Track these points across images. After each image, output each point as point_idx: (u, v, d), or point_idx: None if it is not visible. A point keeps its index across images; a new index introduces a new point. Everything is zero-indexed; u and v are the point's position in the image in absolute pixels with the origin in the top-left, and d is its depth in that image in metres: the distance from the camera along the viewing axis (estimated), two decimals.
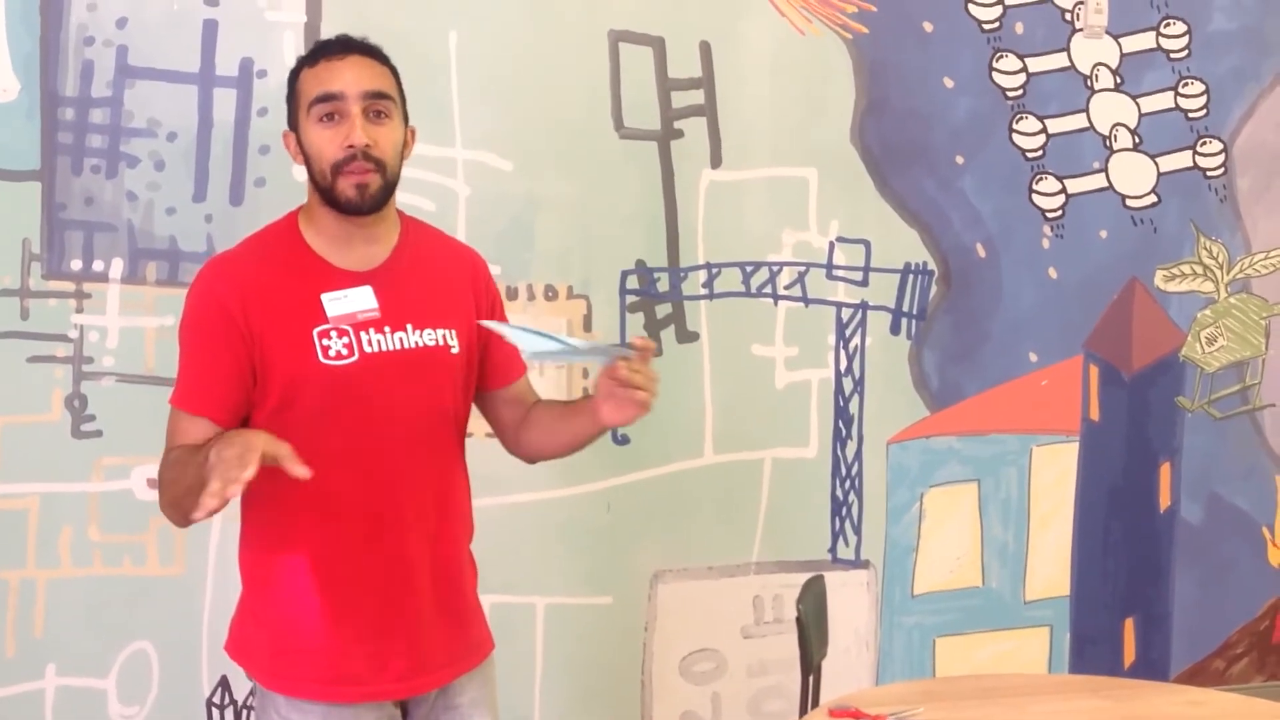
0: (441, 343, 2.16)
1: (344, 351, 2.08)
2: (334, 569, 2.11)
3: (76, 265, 2.99)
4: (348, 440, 2.09)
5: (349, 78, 2.09)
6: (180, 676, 3.09)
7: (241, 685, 3.09)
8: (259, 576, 2.17)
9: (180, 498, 2.00)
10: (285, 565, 2.12)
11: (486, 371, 2.28)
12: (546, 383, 3.25)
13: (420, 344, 2.14)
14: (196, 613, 3.08)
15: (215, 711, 3.12)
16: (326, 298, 2.09)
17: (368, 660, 2.13)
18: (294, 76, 2.17)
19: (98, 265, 3.00)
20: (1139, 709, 2.34)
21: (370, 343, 2.10)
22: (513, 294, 3.25)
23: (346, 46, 2.14)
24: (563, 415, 2.27)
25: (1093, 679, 2.68)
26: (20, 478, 2.97)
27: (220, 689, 3.12)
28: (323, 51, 2.14)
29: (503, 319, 2.28)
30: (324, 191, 2.11)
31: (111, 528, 3.03)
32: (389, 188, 2.13)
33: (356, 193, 2.08)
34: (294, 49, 3.03)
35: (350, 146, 2.07)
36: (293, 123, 2.16)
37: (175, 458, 2.07)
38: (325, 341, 2.08)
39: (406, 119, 2.20)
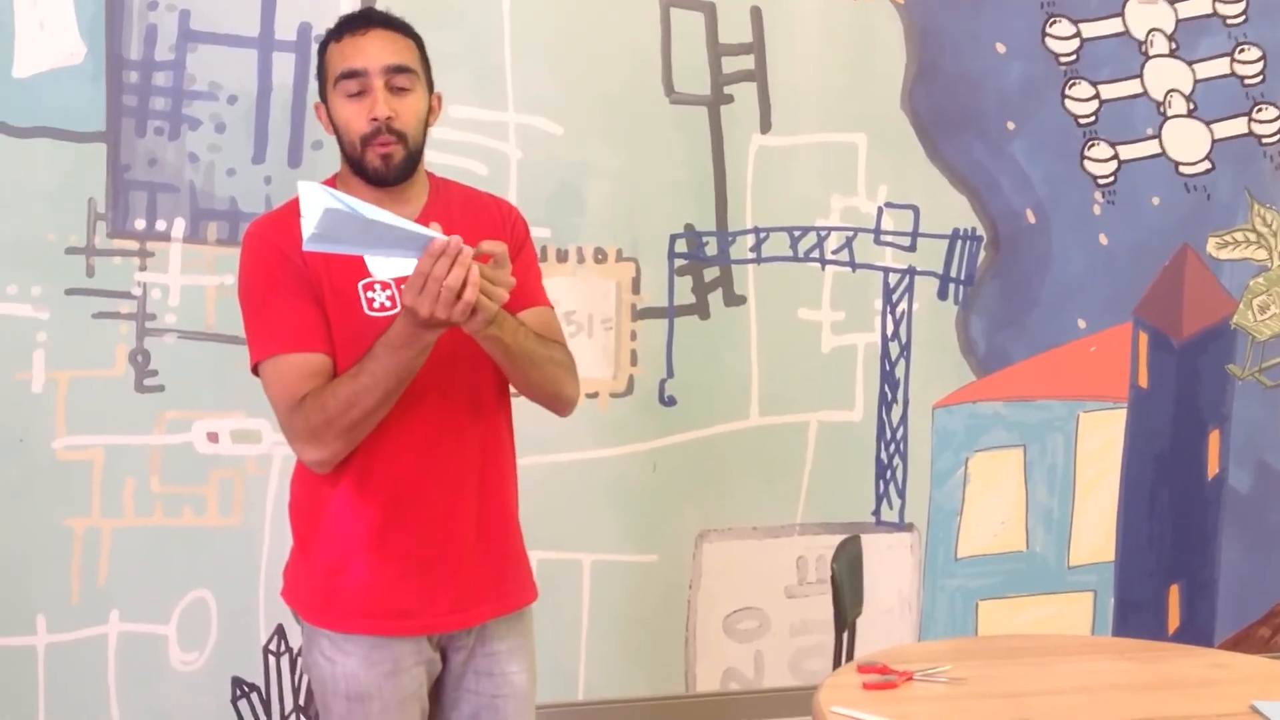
0: None
1: (387, 304, 2.16)
2: (382, 508, 2.17)
3: (140, 224, 3.08)
4: None
5: (371, 52, 2.16)
6: (238, 624, 3.19)
7: (297, 634, 3.18)
8: (307, 519, 2.25)
9: (377, 400, 2.06)
10: (334, 505, 2.19)
11: None
12: (595, 347, 3.31)
13: None
14: (254, 562, 3.17)
15: (271, 659, 3.22)
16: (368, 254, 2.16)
17: (416, 594, 2.19)
18: (321, 51, 2.24)
19: (160, 225, 3.09)
20: (1162, 670, 2.35)
21: None
22: (563, 256, 3.31)
23: (369, 21, 2.21)
24: None
25: (1122, 641, 2.70)
26: (86, 430, 3.07)
27: (276, 637, 3.21)
28: (346, 27, 2.21)
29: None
30: (353, 162, 2.19)
31: (173, 479, 3.12)
32: (413, 157, 2.19)
33: (382, 163, 2.16)
34: None
35: (374, 120, 2.14)
36: (323, 95, 2.23)
37: (336, 385, 2.08)
38: (370, 294, 2.16)
39: (431, 87, 2.25)
